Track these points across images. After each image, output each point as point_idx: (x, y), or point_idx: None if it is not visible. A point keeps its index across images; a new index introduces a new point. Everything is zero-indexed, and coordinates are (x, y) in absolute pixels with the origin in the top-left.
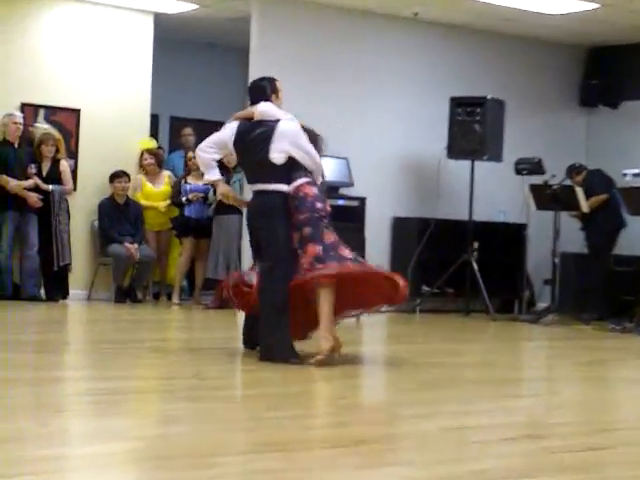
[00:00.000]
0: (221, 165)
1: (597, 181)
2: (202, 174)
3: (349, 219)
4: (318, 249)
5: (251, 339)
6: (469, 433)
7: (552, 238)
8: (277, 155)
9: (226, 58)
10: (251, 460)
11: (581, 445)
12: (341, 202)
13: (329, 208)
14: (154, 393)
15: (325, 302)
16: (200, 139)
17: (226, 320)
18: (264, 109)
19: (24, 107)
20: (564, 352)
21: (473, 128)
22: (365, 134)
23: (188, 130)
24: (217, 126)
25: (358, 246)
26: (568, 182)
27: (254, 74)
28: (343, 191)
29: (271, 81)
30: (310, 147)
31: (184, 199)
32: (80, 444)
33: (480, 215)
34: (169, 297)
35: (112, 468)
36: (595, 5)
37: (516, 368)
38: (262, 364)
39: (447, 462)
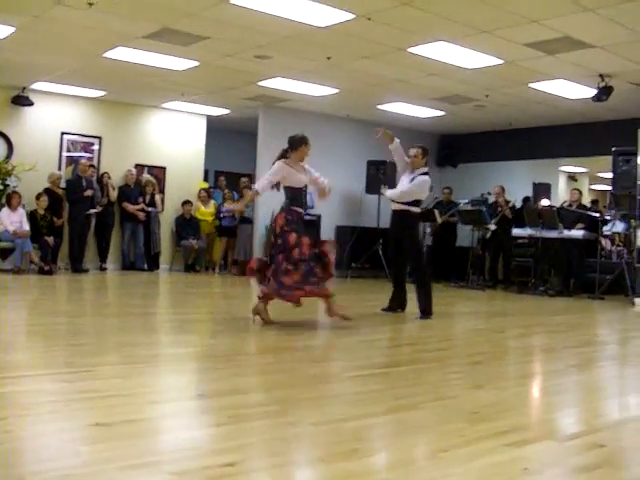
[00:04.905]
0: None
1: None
2: (234, 201)
3: (312, 226)
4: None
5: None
6: None
7: None
8: None
9: (244, 139)
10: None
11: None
12: (307, 217)
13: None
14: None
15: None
16: (229, 184)
17: (244, 282)
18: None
19: (137, 166)
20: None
21: (380, 178)
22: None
23: (222, 178)
24: (238, 176)
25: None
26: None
27: (260, 150)
28: (310, 211)
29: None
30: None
31: (221, 215)
32: (167, 347)
33: (383, 224)
34: (214, 269)
35: (178, 363)
36: (442, 113)
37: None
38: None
39: None
